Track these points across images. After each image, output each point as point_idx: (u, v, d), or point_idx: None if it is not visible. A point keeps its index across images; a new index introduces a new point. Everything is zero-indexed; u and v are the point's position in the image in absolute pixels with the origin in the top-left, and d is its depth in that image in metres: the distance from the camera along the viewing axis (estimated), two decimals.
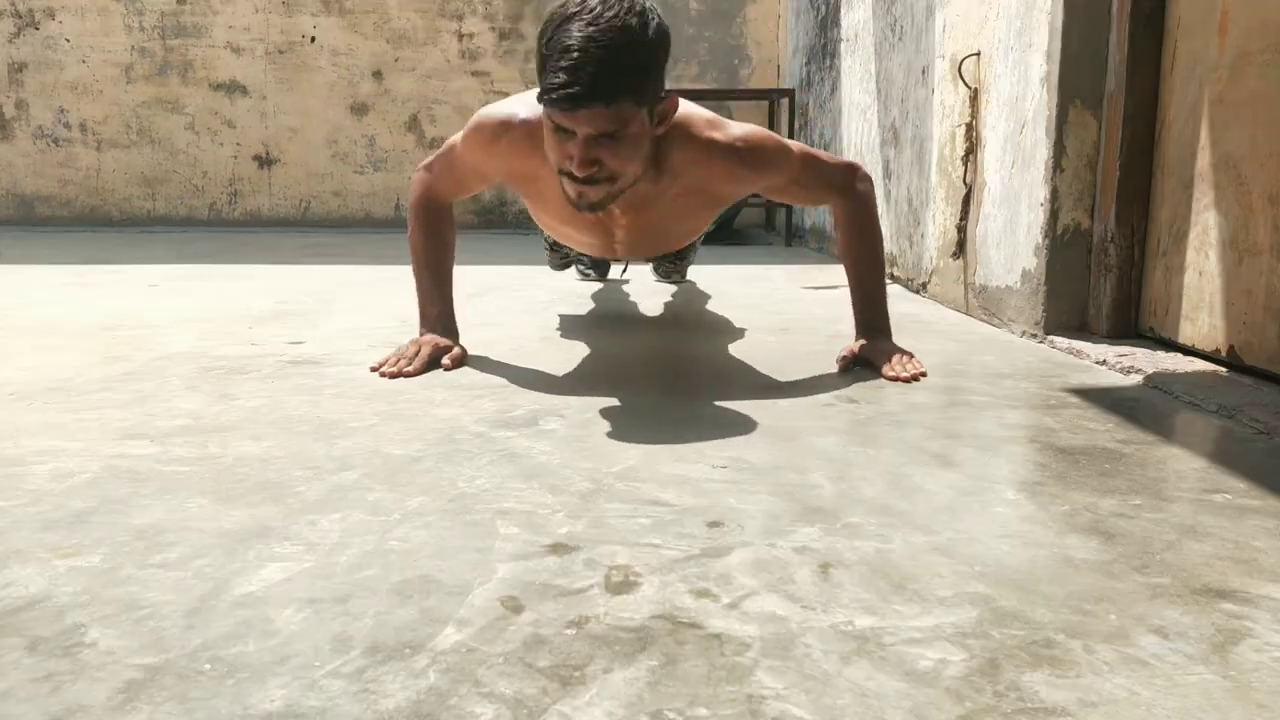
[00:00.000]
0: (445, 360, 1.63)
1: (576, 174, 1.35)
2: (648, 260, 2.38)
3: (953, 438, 1.26)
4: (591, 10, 1.29)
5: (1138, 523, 0.96)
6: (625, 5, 1.31)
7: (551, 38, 1.31)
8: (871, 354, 1.65)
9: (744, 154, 1.56)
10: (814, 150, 1.71)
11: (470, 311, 2.32)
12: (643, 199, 1.55)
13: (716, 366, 1.73)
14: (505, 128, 1.55)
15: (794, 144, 1.67)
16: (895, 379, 1.57)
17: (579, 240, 1.79)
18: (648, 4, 1.35)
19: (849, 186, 1.70)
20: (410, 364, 1.59)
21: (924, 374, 1.60)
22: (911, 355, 1.64)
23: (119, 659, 0.68)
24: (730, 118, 1.75)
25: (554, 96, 1.29)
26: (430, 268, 1.76)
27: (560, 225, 1.74)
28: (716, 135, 1.55)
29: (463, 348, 1.70)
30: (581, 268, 2.96)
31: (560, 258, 2.46)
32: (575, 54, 1.27)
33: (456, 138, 1.69)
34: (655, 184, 1.54)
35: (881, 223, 2.62)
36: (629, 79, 1.30)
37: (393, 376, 1.56)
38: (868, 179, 1.73)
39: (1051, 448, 1.22)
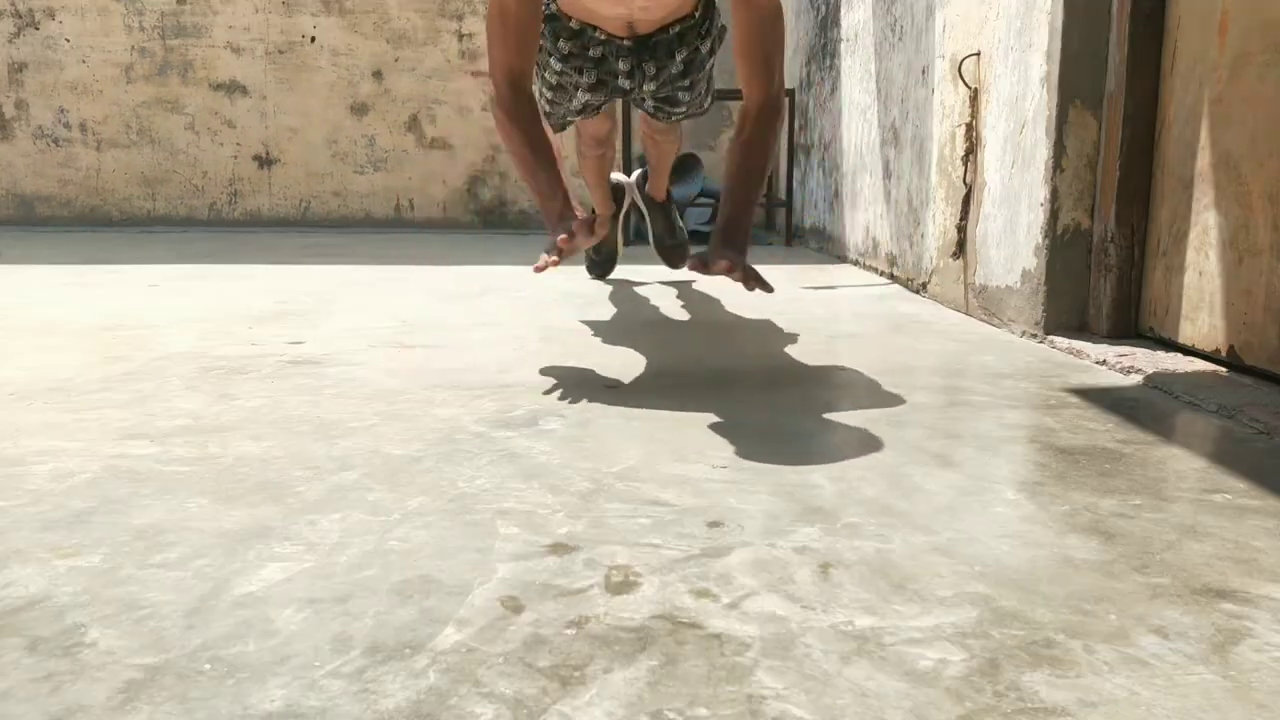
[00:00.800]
0: (598, 228, 1.62)
1: None
2: (658, 101, 2.29)
3: (953, 438, 1.26)
4: None
5: (1138, 523, 0.96)
6: None
7: None
8: (709, 254, 1.61)
9: None
10: (779, 37, 1.79)
11: (470, 311, 2.32)
12: None
13: (717, 366, 1.73)
14: None
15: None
16: (718, 271, 1.56)
17: (605, 3, 1.81)
18: None
19: (779, 87, 1.76)
20: (578, 240, 1.57)
21: (770, 289, 1.59)
22: (753, 270, 1.61)
23: (119, 659, 0.68)
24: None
25: None
26: (543, 168, 1.74)
27: None
28: None
29: (601, 218, 1.71)
30: (589, 262, 2.96)
31: (561, 111, 2.33)
32: None
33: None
34: None
35: (882, 223, 2.62)
36: None
37: (557, 262, 1.57)
38: (784, 107, 1.82)
39: (1051, 448, 1.22)
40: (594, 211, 2.88)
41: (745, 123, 1.78)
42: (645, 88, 2.15)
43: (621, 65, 2.10)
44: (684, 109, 2.29)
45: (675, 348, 1.92)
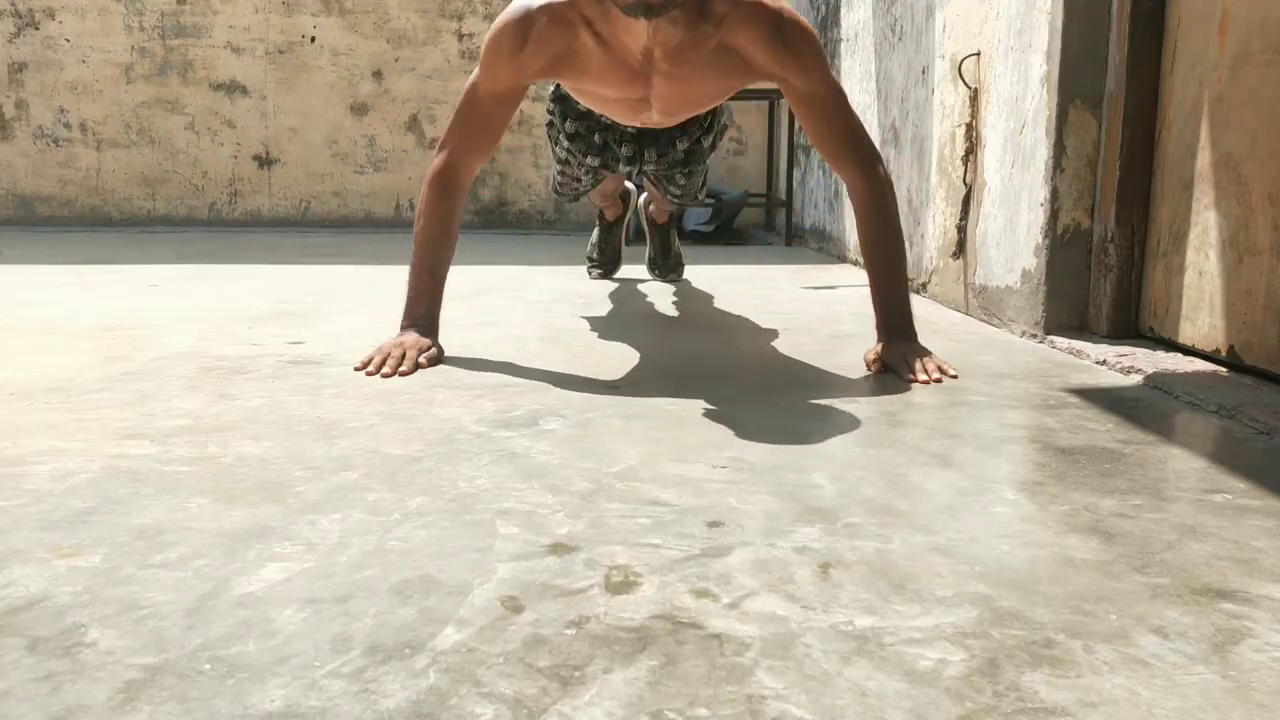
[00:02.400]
0: (422, 359, 1.65)
1: None
2: (661, 181, 2.33)
3: (953, 438, 1.26)
4: None
5: (1138, 523, 0.96)
6: None
7: None
8: (892, 357, 1.64)
9: (785, 27, 1.62)
10: (854, 114, 1.73)
11: (470, 311, 2.32)
12: (683, 44, 1.60)
13: (717, 366, 1.73)
14: (529, 22, 1.61)
15: (838, 86, 1.72)
16: (912, 379, 1.56)
17: (617, 100, 1.79)
18: None
19: (872, 167, 1.70)
20: (401, 365, 1.61)
21: (954, 375, 1.59)
22: (932, 355, 1.64)
23: (119, 659, 0.68)
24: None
25: None
26: (430, 265, 1.77)
27: (602, 88, 1.74)
28: (767, 1, 1.62)
29: (440, 347, 1.72)
30: (591, 262, 2.96)
31: (572, 185, 2.39)
32: None
33: (472, 79, 1.72)
34: (698, 30, 1.59)
35: None
36: None
37: (385, 377, 1.57)
38: (889, 178, 1.73)
39: (1051, 448, 1.22)
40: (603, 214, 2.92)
41: (858, 211, 1.74)
42: (645, 169, 2.20)
43: (624, 150, 2.17)
44: (679, 192, 2.37)
45: (675, 348, 1.92)
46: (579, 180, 2.33)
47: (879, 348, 1.68)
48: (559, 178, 2.36)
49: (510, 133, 5.18)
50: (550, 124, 2.22)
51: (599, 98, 1.83)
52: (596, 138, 2.16)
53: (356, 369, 1.62)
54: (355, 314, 2.29)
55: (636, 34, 1.57)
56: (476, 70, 1.71)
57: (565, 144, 2.20)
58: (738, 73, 1.68)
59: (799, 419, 1.34)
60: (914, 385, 1.55)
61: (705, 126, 2.18)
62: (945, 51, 2.51)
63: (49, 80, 5.13)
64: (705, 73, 1.67)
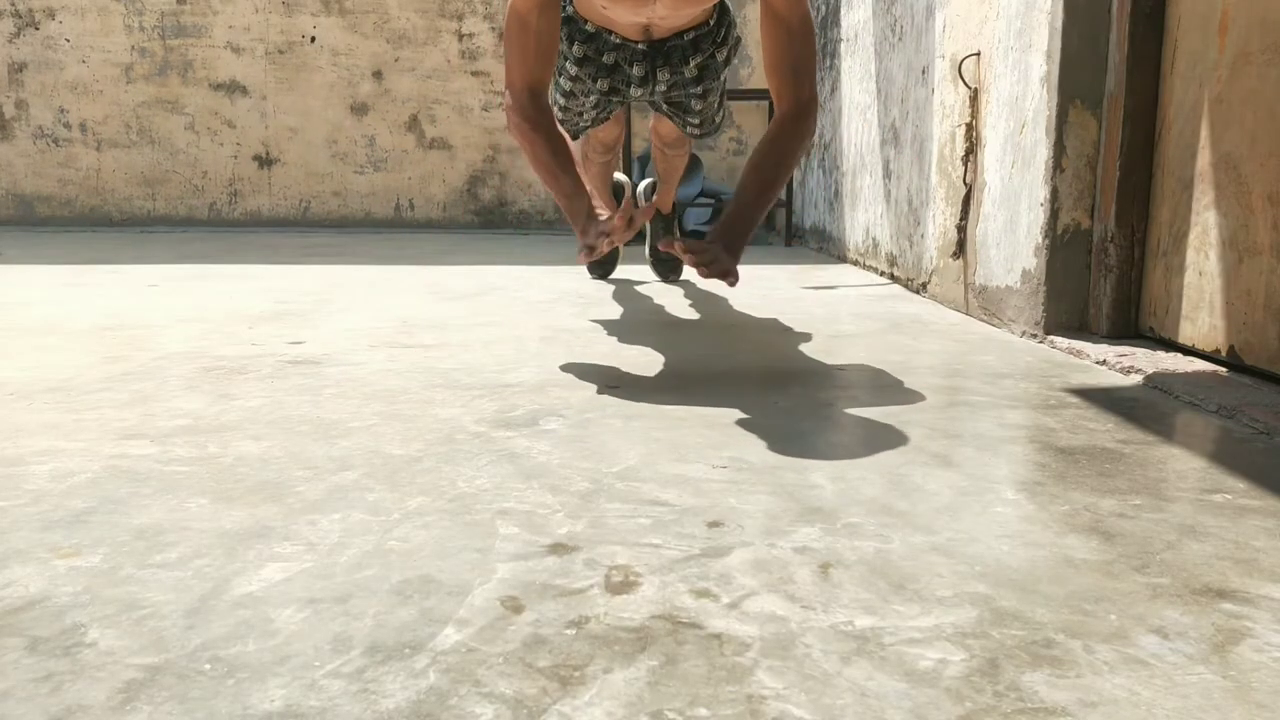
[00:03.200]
0: (636, 216, 1.63)
1: None
2: (672, 107, 2.29)
3: (953, 438, 1.26)
4: None
5: (1138, 523, 0.96)
6: None
7: None
8: (696, 246, 1.61)
9: None
10: (809, 41, 1.77)
11: (470, 311, 2.32)
12: None
13: (717, 366, 1.73)
14: None
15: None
16: (692, 264, 1.58)
17: (619, 5, 1.80)
18: None
19: (808, 98, 1.75)
20: (619, 236, 1.61)
21: (730, 282, 1.60)
22: (729, 265, 1.61)
23: (119, 659, 0.68)
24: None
25: None
26: (563, 167, 1.76)
27: None
28: None
29: (621, 199, 1.76)
30: (590, 260, 2.95)
31: (574, 118, 2.32)
32: None
33: (510, 1, 1.75)
34: None
35: (882, 222, 2.62)
36: None
37: (606, 252, 1.63)
38: (816, 117, 1.79)
39: (1051, 448, 1.22)
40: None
41: (770, 130, 1.79)
42: (658, 90, 2.15)
43: (635, 71, 2.10)
44: (697, 120, 2.28)
45: (675, 348, 1.92)
46: (582, 114, 2.24)
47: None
48: (560, 114, 2.27)
49: (510, 133, 5.19)
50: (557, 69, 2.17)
51: (603, 8, 1.84)
52: (605, 58, 2.11)
53: (580, 260, 1.70)
54: (355, 314, 2.29)
55: None
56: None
57: (572, 70, 2.14)
58: None
59: (799, 419, 1.34)
60: (914, 386, 1.55)
61: (717, 40, 2.14)
62: (945, 51, 2.51)
63: (49, 80, 5.13)
64: None
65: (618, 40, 2.07)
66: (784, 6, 1.73)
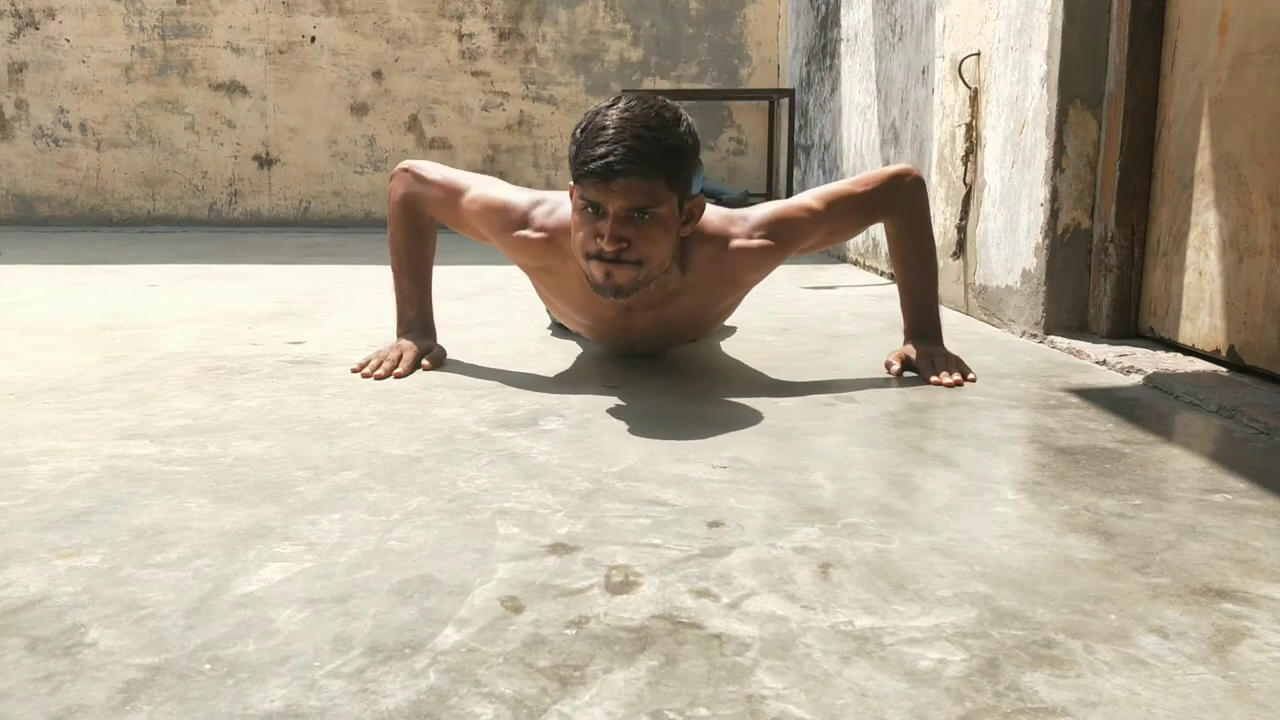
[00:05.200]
0: (425, 361, 1.65)
1: (606, 249, 1.36)
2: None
3: (953, 438, 1.26)
4: (628, 104, 1.39)
5: (1138, 523, 0.96)
6: (659, 102, 1.42)
7: (587, 125, 1.39)
8: (916, 358, 1.64)
9: (765, 237, 1.56)
10: (844, 187, 1.65)
11: (470, 311, 2.32)
12: (663, 299, 1.56)
13: (716, 366, 1.73)
14: (524, 223, 1.57)
15: (819, 195, 1.63)
16: (937, 383, 1.56)
17: (595, 331, 1.71)
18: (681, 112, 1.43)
19: (888, 201, 1.66)
20: (397, 367, 1.60)
21: (972, 378, 1.59)
22: (958, 360, 1.63)
23: (119, 659, 0.68)
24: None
25: (590, 168, 1.34)
26: (411, 270, 1.74)
27: (575, 314, 1.69)
28: (735, 231, 1.56)
29: (441, 348, 1.71)
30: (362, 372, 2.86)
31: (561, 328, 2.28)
32: (612, 131, 1.35)
33: (471, 188, 1.65)
34: (680, 282, 1.54)
35: None
36: (663, 157, 1.36)
37: (379, 379, 1.57)
38: (916, 183, 1.66)
39: (1051, 448, 1.22)
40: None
41: (887, 230, 1.72)
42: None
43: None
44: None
45: (675, 348, 1.92)
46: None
47: (905, 348, 1.67)
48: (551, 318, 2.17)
49: (510, 133, 5.19)
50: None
51: (570, 319, 1.74)
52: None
53: (353, 371, 1.62)
54: (355, 314, 2.29)
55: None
56: (475, 184, 1.65)
57: (550, 325, 2.10)
58: (726, 295, 1.64)
59: (799, 419, 1.34)
60: (914, 385, 1.55)
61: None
62: (945, 51, 2.51)
63: (49, 80, 5.13)
64: (691, 314, 1.63)
65: None
66: (807, 239, 1.61)
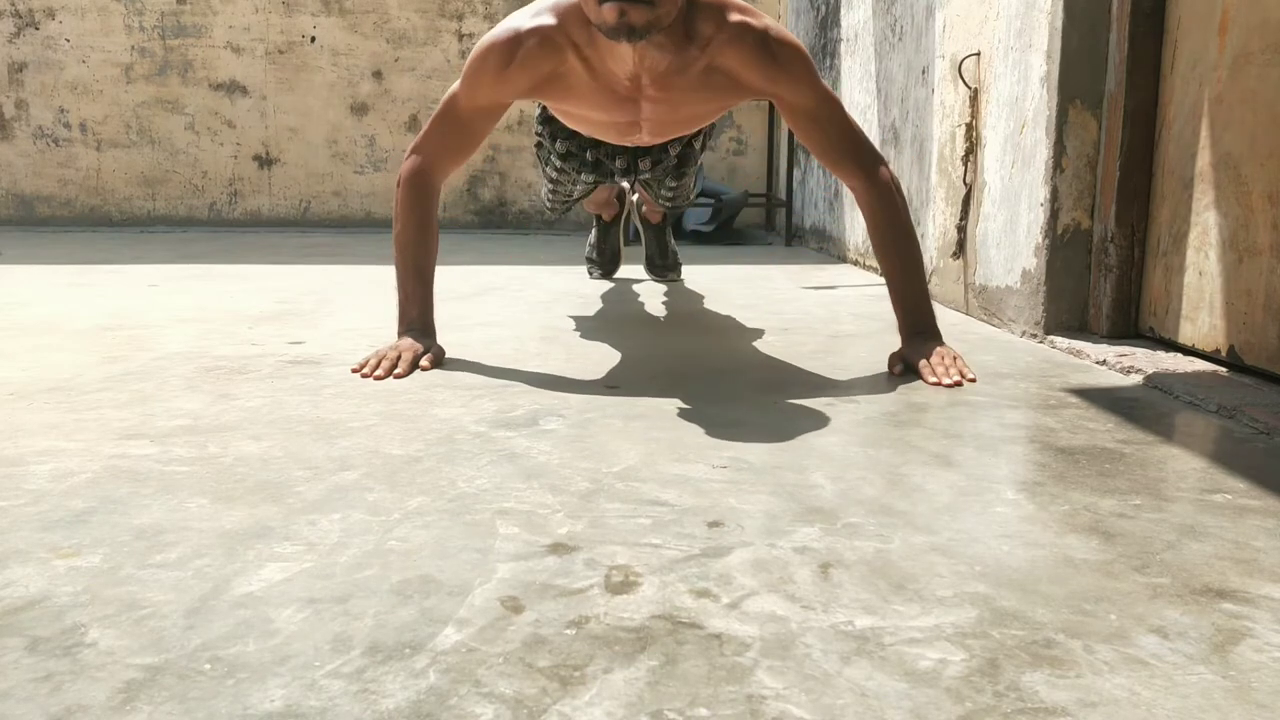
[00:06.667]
0: (424, 362, 1.64)
1: None
2: (654, 190, 2.33)
3: (953, 438, 1.26)
4: None
5: (1138, 523, 0.96)
6: None
7: None
8: (913, 357, 1.64)
9: (772, 44, 1.60)
10: (851, 119, 1.71)
11: (470, 311, 2.32)
12: (670, 69, 1.59)
13: (716, 366, 1.73)
14: (517, 41, 1.59)
15: (827, 85, 1.69)
16: (936, 384, 1.55)
17: (607, 124, 1.77)
18: None
19: (874, 170, 1.68)
20: (396, 367, 1.60)
21: (971, 379, 1.58)
22: (956, 356, 1.63)
23: (119, 659, 0.68)
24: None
25: None
26: (415, 266, 1.75)
27: (590, 111, 1.73)
28: (749, 19, 1.60)
29: (440, 347, 1.71)
30: (591, 263, 2.96)
31: (564, 199, 2.36)
32: None
33: (452, 89, 1.69)
34: (684, 53, 1.57)
35: None
36: None
37: (378, 379, 1.57)
38: (895, 178, 1.71)
39: (1051, 448, 1.22)
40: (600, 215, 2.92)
41: (866, 216, 1.74)
42: (641, 177, 2.19)
43: (618, 164, 2.15)
44: (670, 194, 2.34)
45: (675, 348, 1.92)
46: (571, 195, 2.30)
47: (904, 349, 1.67)
48: (550, 196, 2.33)
49: (510, 133, 5.19)
50: (539, 144, 2.20)
51: (586, 120, 1.81)
52: (588, 154, 2.14)
53: (353, 371, 1.61)
54: (355, 314, 2.29)
55: (623, 59, 1.56)
56: (457, 83, 1.68)
57: (557, 164, 2.18)
58: (726, 93, 1.66)
59: (799, 419, 1.34)
60: (914, 386, 1.55)
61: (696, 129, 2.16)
62: (945, 51, 2.51)
63: (49, 80, 5.13)
64: (693, 95, 1.66)
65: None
66: (794, 95, 1.64)
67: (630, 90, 1.64)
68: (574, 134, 2.11)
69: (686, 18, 1.54)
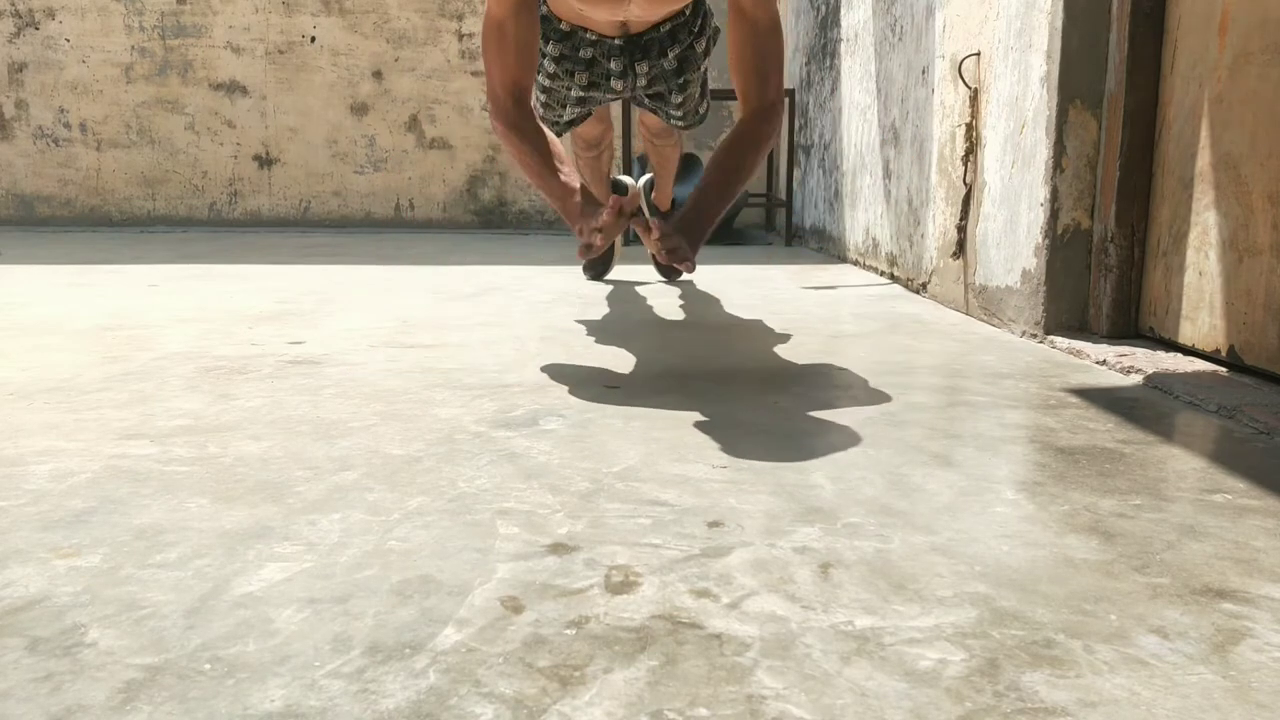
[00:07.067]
0: (625, 205, 1.63)
1: None
2: (654, 101, 2.29)
3: (953, 438, 1.26)
4: None
5: (1138, 523, 0.96)
6: None
7: None
8: (661, 233, 1.62)
9: None
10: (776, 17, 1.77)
11: (470, 311, 2.32)
12: None
13: (716, 366, 1.73)
14: None
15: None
16: (654, 255, 1.60)
17: (595, 3, 1.79)
18: None
19: (776, 104, 1.75)
20: (611, 230, 1.62)
21: (688, 268, 1.62)
22: (686, 251, 1.62)
23: (119, 659, 0.68)
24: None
25: None
26: (551, 169, 1.76)
27: None
28: None
29: (618, 193, 1.75)
30: (584, 262, 2.96)
31: (555, 114, 2.30)
32: None
33: (487, 5, 1.73)
34: None
35: (882, 222, 2.60)
36: None
37: (600, 247, 1.63)
38: (781, 117, 1.78)
39: (1051, 448, 1.22)
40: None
41: (736, 127, 1.79)
42: (638, 85, 2.14)
43: (614, 65, 2.09)
44: (680, 112, 2.27)
45: (675, 348, 1.92)
46: (563, 111, 2.24)
47: (667, 221, 1.69)
48: (541, 110, 2.26)
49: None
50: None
51: (579, 3, 1.81)
52: (582, 53, 2.10)
53: (579, 257, 1.72)
54: (355, 314, 2.29)
55: None
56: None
57: (550, 68, 2.14)
58: None
59: (799, 419, 1.34)
60: (914, 385, 1.55)
61: (694, 30, 2.13)
62: (945, 51, 2.51)
63: (49, 80, 5.13)
64: None
65: (594, 37, 2.06)
66: (751, 5, 1.71)
67: None
68: (568, 35, 2.07)
69: None
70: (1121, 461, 1.16)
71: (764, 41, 1.72)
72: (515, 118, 1.75)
